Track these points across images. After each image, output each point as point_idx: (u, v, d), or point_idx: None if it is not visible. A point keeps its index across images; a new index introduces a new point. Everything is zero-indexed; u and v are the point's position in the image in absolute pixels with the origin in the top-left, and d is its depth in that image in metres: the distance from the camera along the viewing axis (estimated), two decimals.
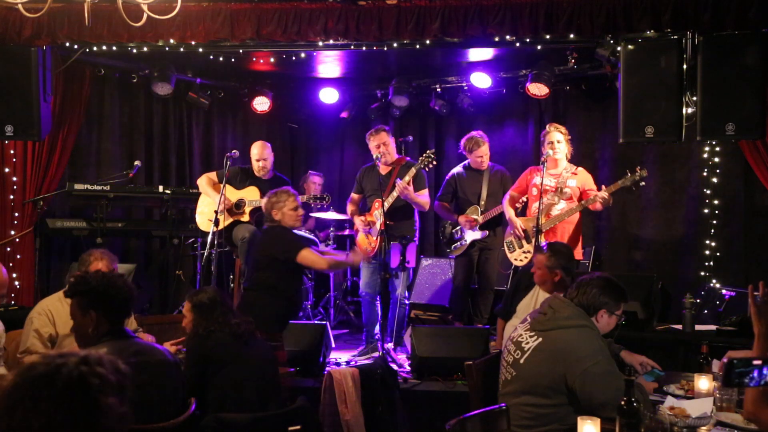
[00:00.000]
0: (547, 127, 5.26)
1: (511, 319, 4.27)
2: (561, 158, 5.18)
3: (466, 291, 5.76)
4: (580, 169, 5.21)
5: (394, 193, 5.22)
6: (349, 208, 5.70)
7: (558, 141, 5.14)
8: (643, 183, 4.85)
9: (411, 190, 5.25)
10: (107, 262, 3.70)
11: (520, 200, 5.37)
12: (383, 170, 5.45)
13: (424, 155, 5.35)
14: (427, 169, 5.37)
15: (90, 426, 1.33)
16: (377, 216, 5.36)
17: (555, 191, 5.09)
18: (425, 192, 5.42)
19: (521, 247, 5.22)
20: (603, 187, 4.97)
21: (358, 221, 5.50)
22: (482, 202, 5.63)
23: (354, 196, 5.69)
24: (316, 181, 7.09)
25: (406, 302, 5.46)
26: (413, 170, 5.29)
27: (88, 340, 2.74)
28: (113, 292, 2.74)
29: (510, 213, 5.30)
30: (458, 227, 5.69)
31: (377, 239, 5.33)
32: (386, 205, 5.21)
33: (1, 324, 3.51)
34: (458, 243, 5.69)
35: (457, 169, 5.86)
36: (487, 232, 5.57)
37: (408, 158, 5.62)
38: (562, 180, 5.10)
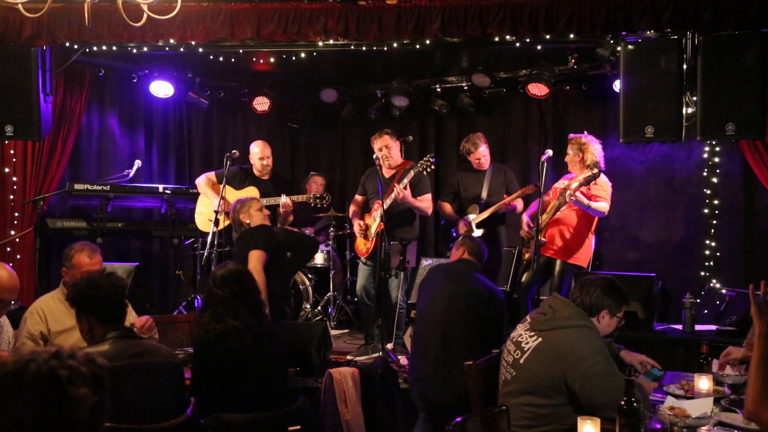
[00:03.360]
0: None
1: None
2: (574, 168, 5.19)
3: None
4: (594, 172, 5.19)
5: (392, 196, 5.20)
6: (351, 209, 5.71)
7: (567, 153, 5.18)
8: (596, 184, 4.90)
9: (409, 194, 5.23)
10: (89, 252, 3.65)
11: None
12: (387, 173, 5.46)
13: (424, 159, 5.35)
14: (425, 172, 5.36)
15: (61, 418, 1.33)
16: (375, 217, 5.35)
17: (561, 192, 5.11)
18: (428, 197, 5.40)
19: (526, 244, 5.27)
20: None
21: (355, 223, 5.51)
22: (482, 201, 5.65)
23: (357, 197, 5.69)
24: (318, 181, 7.08)
25: (405, 303, 5.45)
26: (411, 173, 5.28)
27: (91, 342, 2.76)
28: (94, 293, 2.74)
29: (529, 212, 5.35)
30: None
31: (373, 241, 5.33)
32: (385, 206, 5.21)
33: (10, 327, 3.49)
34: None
35: (460, 169, 5.88)
36: (483, 230, 5.58)
37: (412, 162, 5.61)
38: (569, 184, 5.11)
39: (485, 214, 5.58)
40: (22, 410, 1.31)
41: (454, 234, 5.77)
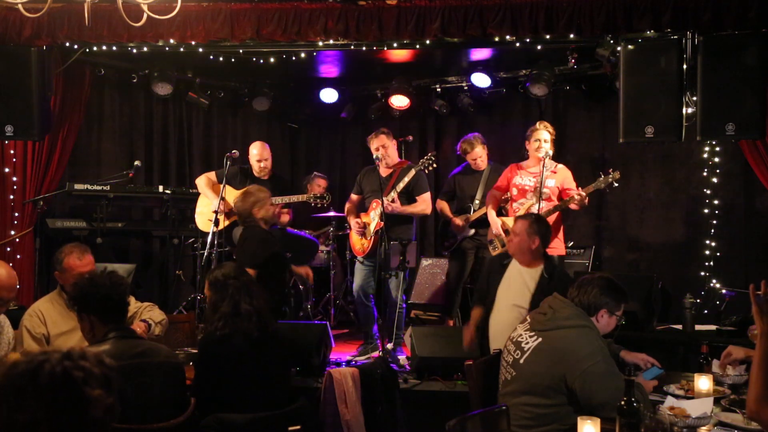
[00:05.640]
0: (537, 124, 5.21)
1: (493, 310, 4.23)
2: (537, 158, 5.15)
3: (458, 288, 5.80)
4: (560, 166, 5.15)
5: (385, 201, 5.18)
6: (347, 207, 5.70)
7: (545, 140, 5.09)
8: (616, 184, 4.86)
9: (397, 205, 5.20)
10: (78, 253, 3.64)
11: (502, 198, 5.36)
12: (384, 172, 5.45)
13: (425, 158, 5.35)
14: (427, 171, 5.36)
15: (77, 419, 1.34)
16: (373, 216, 5.34)
17: (534, 191, 5.05)
18: (426, 196, 5.40)
19: (503, 245, 5.19)
20: (579, 188, 4.96)
21: (353, 222, 5.49)
22: (476, 202, 5.66)
23: (353, 196, 5.68)
24: (321, 183, 7.04)
25: (405, 303, 5.44)
26: (412, 171, 5.28)
27: (92, 341, 2.76)
28: (94, 291, 2.75)
29: (491, 212, 5.26)
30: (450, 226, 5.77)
31: (371, 240, 5.32)
32: (385, 203, 5.20)
33: (10, 327, 3.49)
34: (451, 240, 5.74)
35: (458, 169, 5.89)
36: (474, 230, 5.59)
37: (409, 162, 5.61)
38: (540, 180, 5.06)
39: (479, 214, 5.59)
40: (37, 411, 1.31)
41: (449, 235, 5.79)
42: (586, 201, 4.90)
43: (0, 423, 1.31)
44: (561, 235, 5.17)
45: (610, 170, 4.84)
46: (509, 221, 5.06)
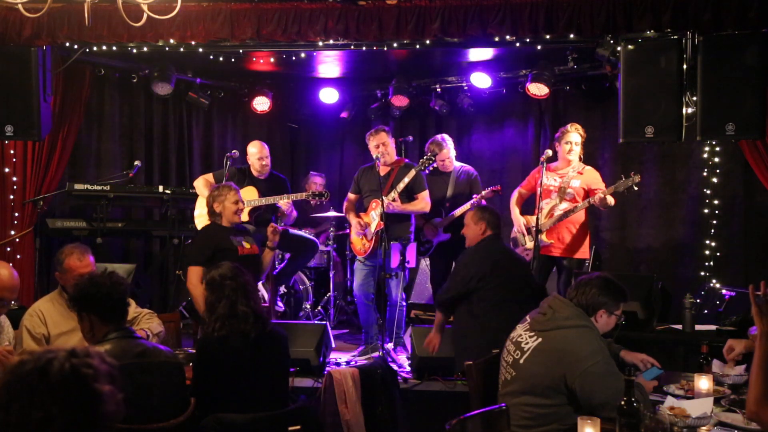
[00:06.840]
0: (568, 126, 5.29)
1: None
2: (573, 159, 5.22)
3: None
4: (588, 168, 5.24)
5: (386, 200, 5.18)
6: (345, 206, 5.70)
7: (576, 143, 5.19)
8: (636, 188, 4.89)
9: (398, 204, 5.22)
10: (78, 254, 3.64)
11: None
12: (382, 171, 5.44)
13: (425, 158, 5.35)
14: (427, 171, 5.37)
15: (89, 414, 1.35)
16: (373, 216, 5.34)
17: (558, 191, 5.11)
18: (424, 194, 5.41)
19: (524, 244, 5.25)
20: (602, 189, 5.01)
21: (354, 221, 5.48)
22: (447, 204, 5.66)
23: (351, 196, 5.68)
24: (318, 181, 7.07)
25: (404, 303, 5.44)
26: (413, 172, 5.28)
27: (92, 341, 2.76)
28: (95, 291, 2.75)
29: (514, 211, 5.35)
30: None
31: (372, 240, 5.32)
32: (385, 203, 5.20)
33: (11, 327, 3.49)
34: (426, 245, 5.74)
35: (426, 171, 5.88)
36: (450, 234, 5.59)
37: (407, 160, 5.62)
38: (566, 180, 5.13)
39: (455, 214, 5.60)
40: (50, 408, 1.32)
41: (423, 239, 5.79)
42: (611, 202, 4.94)
43: (13, 421, 1.32)
44: (588, 240, 5.24)
45: (632, 173, 4.88)
46: (532, 220, 5.10)
